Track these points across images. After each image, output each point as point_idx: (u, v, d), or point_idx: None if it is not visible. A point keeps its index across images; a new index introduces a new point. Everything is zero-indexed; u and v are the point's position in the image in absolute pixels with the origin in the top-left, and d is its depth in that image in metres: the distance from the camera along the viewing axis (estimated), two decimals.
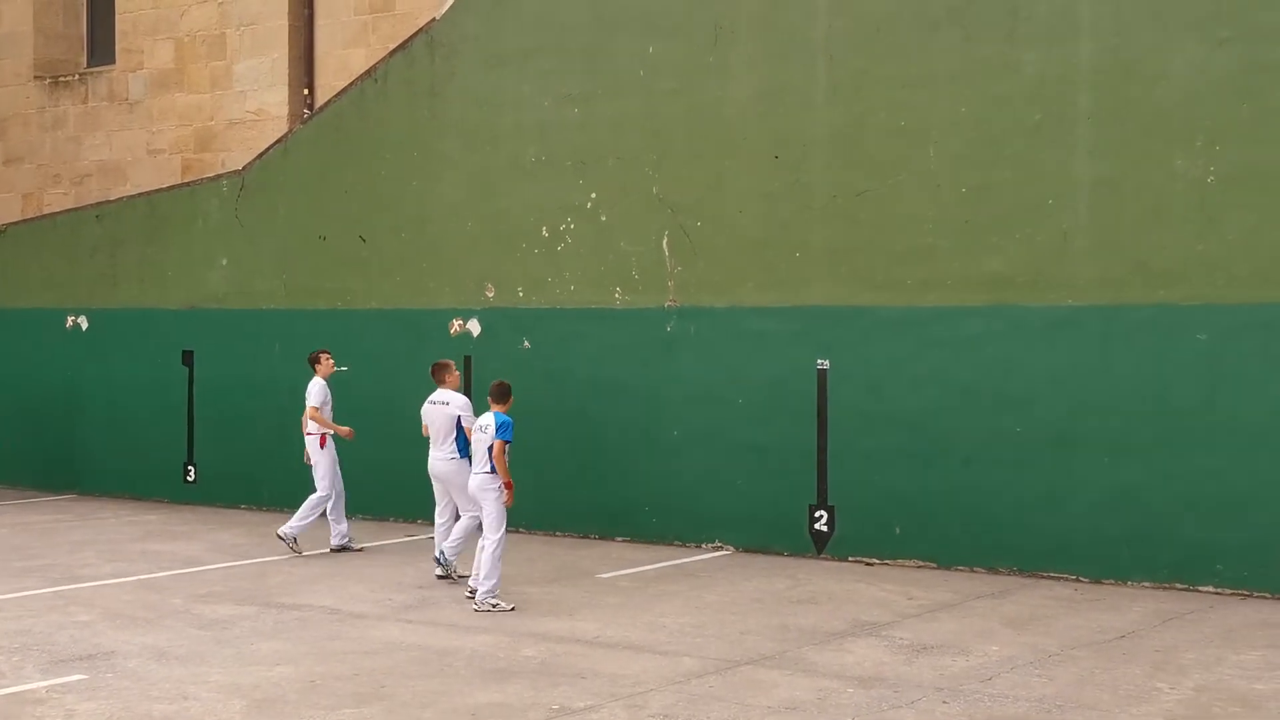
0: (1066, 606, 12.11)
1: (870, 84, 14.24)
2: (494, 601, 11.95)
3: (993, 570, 13.61)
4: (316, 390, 14.95)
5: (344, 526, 15.11)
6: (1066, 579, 13.23)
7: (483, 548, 12.06)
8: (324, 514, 14.99)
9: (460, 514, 13.14)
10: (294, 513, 15.03)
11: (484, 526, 12.26)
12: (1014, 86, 13.56)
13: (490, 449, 12.03)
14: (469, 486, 12.42)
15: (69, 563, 14.28)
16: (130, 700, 9.06)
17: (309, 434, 14.99)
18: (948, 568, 13.82)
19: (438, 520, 13.43)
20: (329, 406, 15.01)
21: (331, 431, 14.95)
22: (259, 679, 9.60)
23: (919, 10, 14.01)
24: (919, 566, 13.94)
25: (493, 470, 12.09)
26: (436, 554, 13.22)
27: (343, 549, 14.97)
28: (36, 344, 20.20)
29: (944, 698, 9.18)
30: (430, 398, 13.33)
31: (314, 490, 14.96)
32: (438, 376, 13.42)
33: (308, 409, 14.94)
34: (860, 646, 10.63)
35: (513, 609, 11.89)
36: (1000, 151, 13.63)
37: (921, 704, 9.03)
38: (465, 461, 12.83)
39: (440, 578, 13.12)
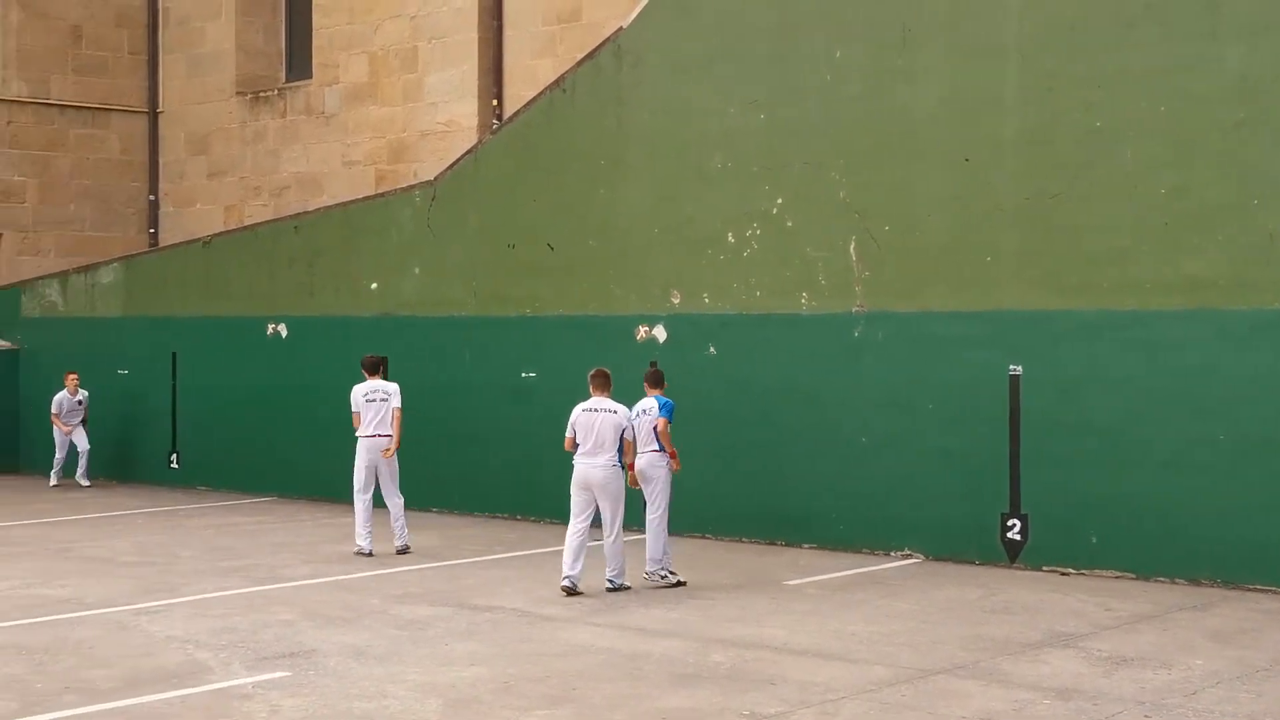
0: (1274, 620, 11.74)
1: (1063, 84, 13.98)
2: (665, 572, 13.05)
3: (1194, 581, 13.26)
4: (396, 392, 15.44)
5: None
6: (1273, 591, 12.82)
7: (647, 524, 13.19)
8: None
9: (604, 525, 12.99)
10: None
11: (652, 503, 13.20)
12: (1215, 84, 13.20)
13: (655, 428, 13.08)
14: (639, 464, 13.15)
15: (271, 563, 14.69)
16: (331, 698, 9.29)
17: (387, 435, 15.28)
18: (1146, 578, 13.49)
19: (573, 538, 12.80)
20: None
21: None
22: (454, 679, 9.77)
23: (1114, 8, 13.73)
24: (1116, 577, 13.64)
25: (660, 449, 13.10)
26: (571, 572, 12.73)
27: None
28: (239, 351, 20.81)
29: (1145, 712, 8.97)
30: (588, 405, 13.01)
31: (396, 498, 15.33)
32: (600, 384, 13.15)
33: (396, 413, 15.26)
34: (1056, 658, 10.43)
35: (683, 583, 13.09)
36: (1200, 151, 13.28)
37: (1122, 718, 8.83)
38: (620, 469, 12.99)
39: (610, 590, 13.02)
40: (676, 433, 15.97)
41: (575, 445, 13.01)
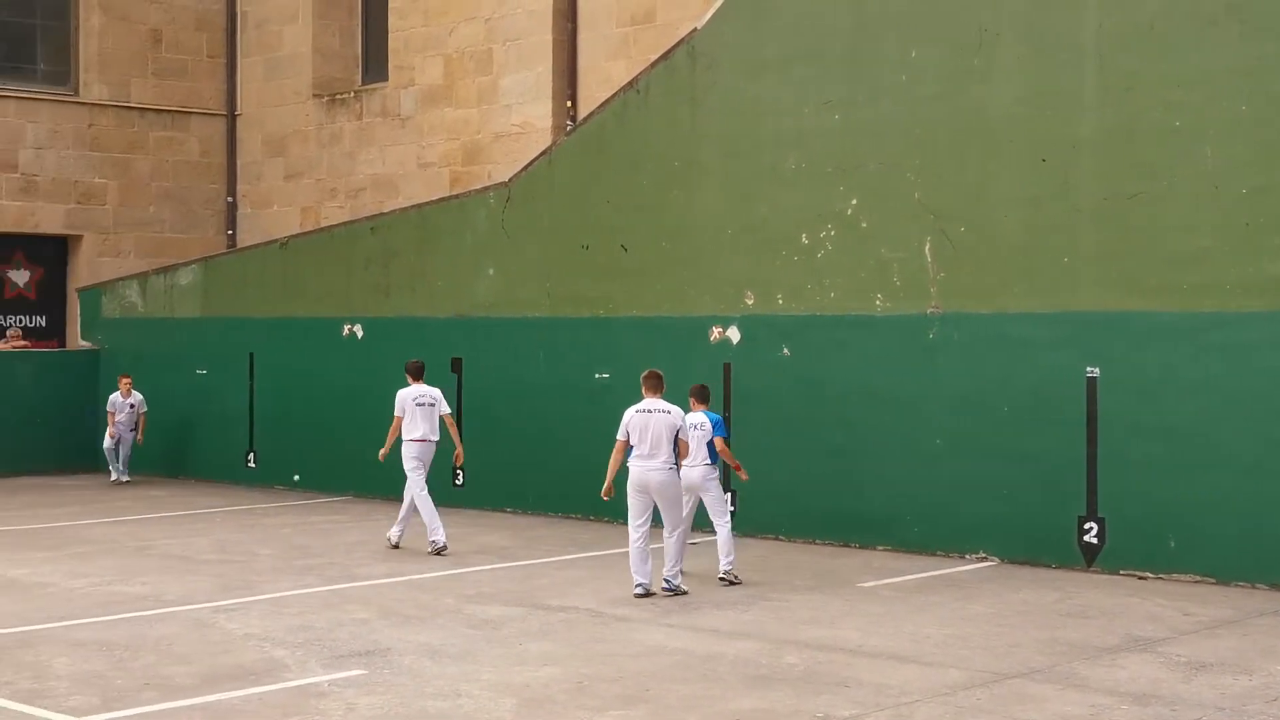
0: None
1: (1142, 84, 13.84)
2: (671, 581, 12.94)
3: (1275, 586, 13.08)
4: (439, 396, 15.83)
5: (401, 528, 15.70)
6: None
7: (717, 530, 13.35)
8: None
9: (666, 527, 12.94)
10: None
11: (714, 512, 13.36)
12: None
13: (711, 444, 13.19)
14: (690, 478, 13.10)
15: (346, 562, 14.81)
16: (407, 696, 9.35)
17: (435, 440, 15.67)
18: (1226, 583, 13.32)
19: (637, 543, 12.76)
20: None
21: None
22: (528, 679, 9.81)
23: (1194, 6, 13.57)
24: (1195, 581, 13.48)
25: (711, 461, 13.20)
26: (642, 579, 12.73)
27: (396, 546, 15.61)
28: (316, 352, 20.99)
29: (1225, 718, 8.86)
30: (641, 406, 12.84)
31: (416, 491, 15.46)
32: (653, 385, 12.97)
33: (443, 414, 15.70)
34: (1134, 662, 10.33)
35: (684, 591, 12.95)
36: None
37: None
38: (676, 471, 12.85)
39: (667, 592, 12.88)
40: (749, 434, 15.99)
41: (628, 447, 12.86)
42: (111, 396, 22.28)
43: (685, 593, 12.89)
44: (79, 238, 25.86)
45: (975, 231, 14.91)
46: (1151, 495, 13.78)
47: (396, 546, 15.53)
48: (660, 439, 12.71)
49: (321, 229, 22.35)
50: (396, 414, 15.55)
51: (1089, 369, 14.15)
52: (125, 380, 22.33)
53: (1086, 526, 14.16)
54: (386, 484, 19.82)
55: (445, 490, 19.19)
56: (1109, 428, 14.02)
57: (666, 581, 12.94)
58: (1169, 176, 13.69)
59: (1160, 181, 13.74)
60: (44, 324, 26.00)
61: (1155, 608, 12.33)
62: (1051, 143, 14.39)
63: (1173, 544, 13.67)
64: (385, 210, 22.35)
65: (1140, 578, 13.73)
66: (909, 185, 15.30)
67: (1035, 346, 14.51)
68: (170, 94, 26.54)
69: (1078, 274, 14.26)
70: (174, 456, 22.54)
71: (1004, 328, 14.73)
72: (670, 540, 13.00)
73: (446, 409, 15.77)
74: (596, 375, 17.66)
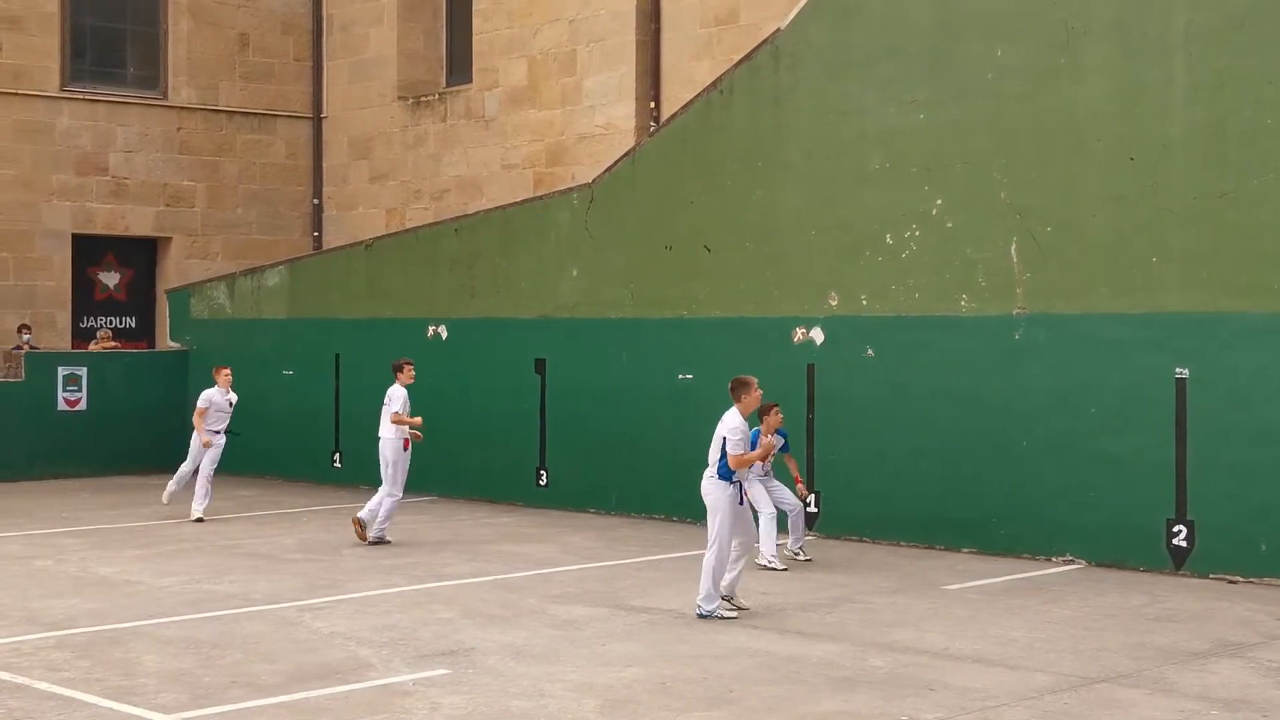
0: None
1: (1233, 81, 13.64)
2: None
3: None
4: (399, 396, 16.07)
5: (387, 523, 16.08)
6: None
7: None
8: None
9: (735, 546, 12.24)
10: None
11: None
12: None
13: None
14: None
15: (431, 561, 14.90)
16: (491, 696, 9.40)
17: (388, 437, 16.09)
18: None
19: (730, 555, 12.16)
20: (406, 412, 16.08)
21: (408, 431, 16.12)
22: (611, 679, 9.83)
23: None
24: None
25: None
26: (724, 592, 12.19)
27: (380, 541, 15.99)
28: (401, 353, 21.04)
29: None
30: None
31: (382, 486, 16.00)
32: (731, 393, 12.27)
33: (390, 414, 16.02)
34: (1224, 667, 10.18)
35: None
36: None
37: None
38: (725, 483, 12.01)
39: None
40: (833, 435, 15.97)
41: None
42: (207, 393, 18.61)
43: (722, 617, 11.91)
44: (168, 240, 26.24)
45: (1062, 231, 14.76)
46: (1242, 498, 13.58)
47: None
48: (713, 449, 12.13)
49: (406, 230, 22.51)
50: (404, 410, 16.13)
51: (1178, 370, 13.97)
52: (225, 372, 18.68)
53: (1175, 529, 13.98)
54: (471, 484, 19.98)
55: (529, 490, 19.26)
56: (1198, 429, 13.84)
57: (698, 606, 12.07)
58: (1260, 175, 13.49)
59: (1251, 180, 13.54)
60: (133, 325, 26.42)
61: (1246, 612, 12.15)
62: (1140, 141, 14.22)
63: (1263, 548, 13.47)
64: (469, 212, 22.47)
65: (1230, 582, 13.54)
66: (995, 185, 15.18)
67: (1123, 347, 14.35)
68: (257, 97, 26.87)
69: (1166, 274, 14.09)
70: (261, 456, 22.78)
71: (1091, 329, 14.57)
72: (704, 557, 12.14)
73: (394, 406, 16.17)
74: (679, 376, 17.66)
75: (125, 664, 10.29)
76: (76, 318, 25.65)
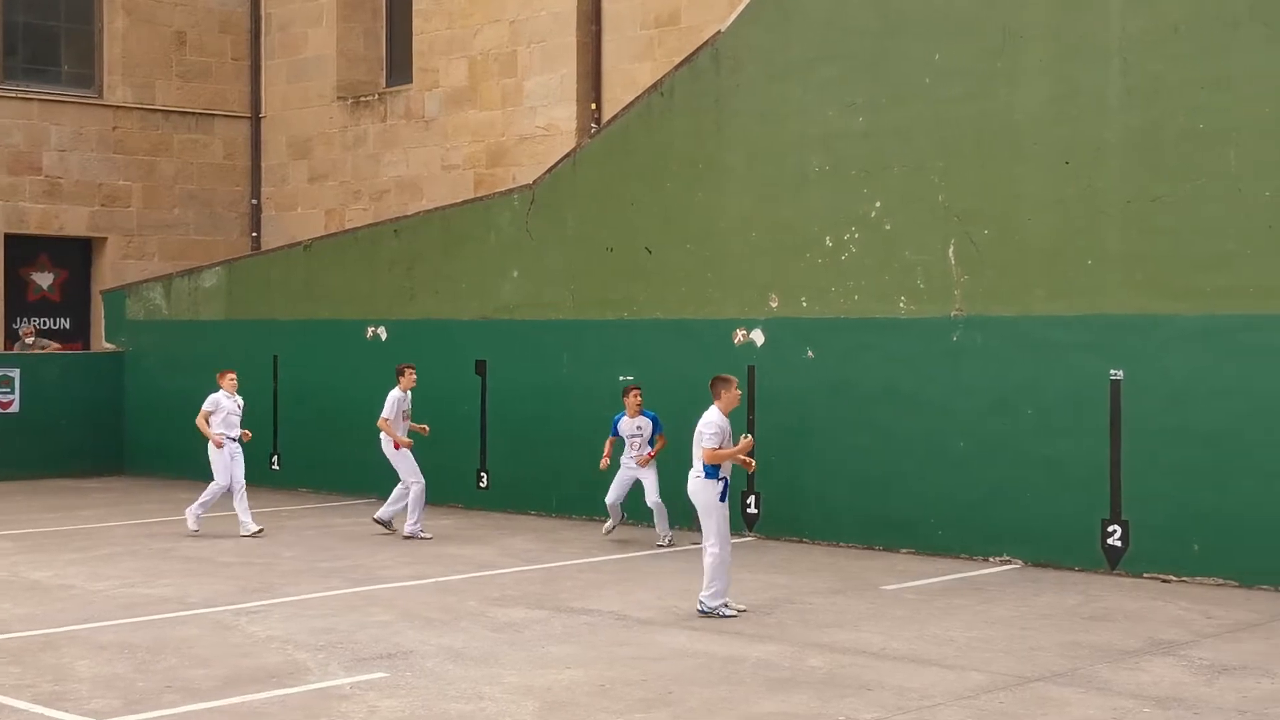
0: None
1: (1168, 86, 13.79)
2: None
3: None
4: (389, 401, 16.86)
5: (394, 510, 16.91)
6: None
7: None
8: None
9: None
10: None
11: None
12: None
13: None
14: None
15: (369, 564, 14.83)
16: (429, 699, 9.36)
17: (383, 437, 16.96)
18: (1250, 587, 13.25)
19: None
20: (399, 417, 16.87)
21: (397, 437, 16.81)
22: (550, 682, 9.81)
23: (1218, 9, 13.51)
24: (1219, 585, 13.41)
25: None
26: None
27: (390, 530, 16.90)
28: (340, 354, 21.03)
29: None
30: None
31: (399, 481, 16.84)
32: (714, 391, 12.41)
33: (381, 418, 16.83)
34: (1157, 666, 10.28)
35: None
36: None
37: None
38: (712, 481, 12.06)
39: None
40: (773, 437, 16.00)
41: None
42: (214, 396, 17.38)
43: (723, 616, 11.93)
44: (103, 240, 25.96)
45: (1000, 234, 14.87)
46: (1175, 499, 13.72)
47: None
48: (695, 446, 12.24)
49: (345, 231, 22.39)
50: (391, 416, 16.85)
51: (1113, 372, 14.10)
52: (230, 376, 17.60)
53: (1110, 530, 14.10)
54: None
55: (470, 493, 19.22)
56: (1133, 431, 13.97)
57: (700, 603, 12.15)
58: (1194, 179, 13.64)
59: (1185, 184, 13.68)
60: (68, 326, 26.12)
61: (1178, 611, 12.27)
62: (1076, 145, 14.34)
63: (1196, 547, 13.61)
64: (409, 213, 22.37)
65: (1164, 581, 13.68)
66: (933, 188, 15.27)
67: (1060, 349, 14.46)
68: (194, 96, 26.64)
69: (1103, 277, 14.21)
70: (200, 459, 22.53)
71: (1028, 331, 14.68)
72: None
73: (383, 413, 16.96)
74: (620, 378, 17.65)
75: (57, 669, 10.18)
76: (9, 319, 25.30)
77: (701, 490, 12.12)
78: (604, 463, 16.04)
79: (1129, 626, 11.67)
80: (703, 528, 12.15)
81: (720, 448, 12.01)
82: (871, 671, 10.10)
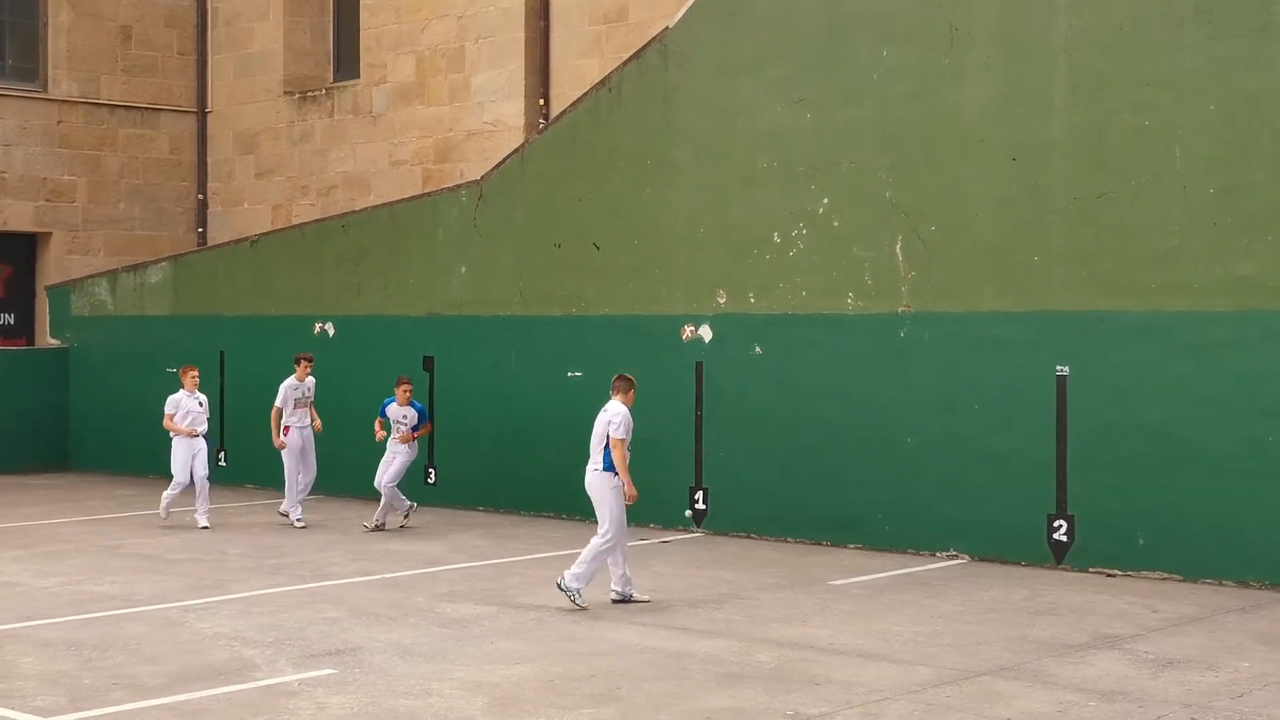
0: None
1: (1112, 85, 13.91)
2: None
3: (1242, 584, 13.16)
4: (281, 391, 17.63)
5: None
6: None
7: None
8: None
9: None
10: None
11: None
12: (1267, 83, 13.10)
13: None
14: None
15: (317, 561, 14.77)
16: (377, 695, 9.34)
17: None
18: (1194, 580, 13.40)
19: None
20: (289, 406, 17.61)
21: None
22: (499, 677, 9.81)
23: (1163, 7, 13.64)
24: (1163, 579, 13.56)
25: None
26: (614, 585, 12.48)
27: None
28: (287, 350, 20.85)
29: (1192, 714, 8.92)
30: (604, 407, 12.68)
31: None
32: (615, 388, 12.68)
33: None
34: (1102, 659, 10.38)
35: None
36: (1251, 152, 13.19)
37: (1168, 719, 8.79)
38: (610, 474, 12.33)
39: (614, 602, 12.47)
40: (721, 433, 16.03)
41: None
42: (173, 397, 17.38)
43: (575, 602, 12.05)
44: (48, 235, 25.70)
45: (946, 231, 14.96)
46: (1120, 493, 13.85)
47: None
48: (596, 440, 12.45)
49: (292, 227, 22.27)
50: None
51: (1059, 368, 14.22)
52: (192, 373, 17.52)
53: (1056, 524, 14.22)
54: (355, 483, 19.81)
55: (418, 490, 19.17)
56: (1079, 427, 14.09)
57: (613, 591, 12.41)
58: (1138, 176, 13.76)
59: (1129, 181, 13.81)
60: (12, 322, 25.83)
61: (1123, 605, 12.39)
62: (1022, 143, 14.45)
63: (1141, 542, 13.75)
64: (357, 208, 22.27)
65: (1109, 575, 13.80)
66: (880, 185, 15.34)
67: (1006, 346, 14.57)
68: (140, 91, 26.41)
69: (1048, 274, 14.33)
70: (143, 455, 22.40)
71: (975, 327, 14.78)
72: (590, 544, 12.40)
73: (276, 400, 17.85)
74: (569, 374, 17.66)
75: (2, 667, 10.09)
76: None
77: (599, 483, 12.42)
78: (379, 435, 17.19)
79: (1074, 620, 11.77)
80: (598, 517, 12.40)
81: (625, 441, 12.35)
82: (819, 666, 10.15)
